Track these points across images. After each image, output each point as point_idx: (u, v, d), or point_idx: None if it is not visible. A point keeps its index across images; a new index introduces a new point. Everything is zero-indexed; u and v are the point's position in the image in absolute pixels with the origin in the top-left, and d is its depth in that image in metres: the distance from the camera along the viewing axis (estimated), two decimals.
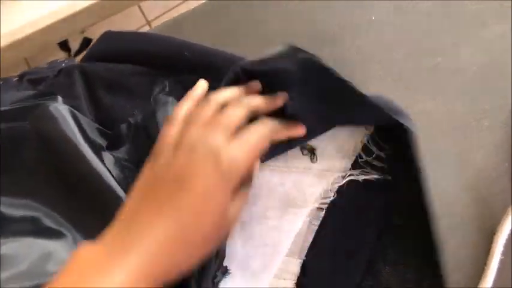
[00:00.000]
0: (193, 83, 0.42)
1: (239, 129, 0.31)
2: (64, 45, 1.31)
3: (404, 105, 0.35)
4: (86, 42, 1.31)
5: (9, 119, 0.39)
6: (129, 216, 0.29)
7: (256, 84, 0.36)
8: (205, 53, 0.41)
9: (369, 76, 0.42)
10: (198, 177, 0.29)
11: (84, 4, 0.64)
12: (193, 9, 0.50)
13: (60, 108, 0.38)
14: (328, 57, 0.32)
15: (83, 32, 1.31)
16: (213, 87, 0.36)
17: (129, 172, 0.39)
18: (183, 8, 1.20)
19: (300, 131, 0.35)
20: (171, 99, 0.39)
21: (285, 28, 0.46)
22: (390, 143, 0.37)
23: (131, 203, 0.30)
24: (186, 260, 0.29)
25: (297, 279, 0.37)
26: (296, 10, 0.47)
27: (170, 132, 0.32)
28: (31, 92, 0.40)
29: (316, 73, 0.32)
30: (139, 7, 1.34)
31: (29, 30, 0.62)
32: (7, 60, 0.68)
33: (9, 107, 0.39)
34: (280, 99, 0.35)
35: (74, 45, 1.31)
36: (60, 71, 0.42)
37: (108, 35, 0.45)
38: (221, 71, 0.36)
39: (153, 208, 0.29)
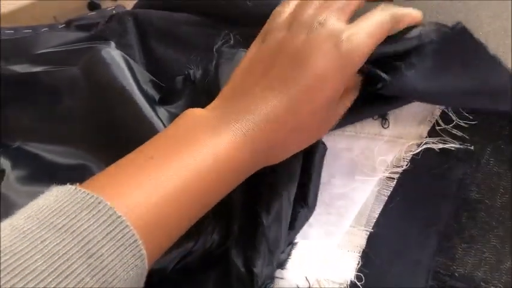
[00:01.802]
0: (251, 37, 0.39)
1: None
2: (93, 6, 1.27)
3: None
4: None
5: (57, 61, 0.36)
6: (238, 87, 0.29)
7: None
8: (271, 4, 0.38)
9: None
10: (317, 56, 0.27)
11: None
12: None
13: (113, 54, 0.35)
14: None
15: None
16: None
17: None
18: None
19: (417, 16, 0.31)
20: (236, 51, 0.36)
21: None
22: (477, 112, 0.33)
23: (239, 76, 0.30)
24: (285, 142, 0.29)
25: (362, 252, 0.34)
26: None
27: (283, 10, 0.31)
28: (82, 35, 0.37)
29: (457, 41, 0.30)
30: None
31: None
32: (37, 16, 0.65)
33: (56, 49, 0.36)
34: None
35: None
36: (111, 17, 0.39)
37: None
38: None
39: (264, 82, 0.28)
